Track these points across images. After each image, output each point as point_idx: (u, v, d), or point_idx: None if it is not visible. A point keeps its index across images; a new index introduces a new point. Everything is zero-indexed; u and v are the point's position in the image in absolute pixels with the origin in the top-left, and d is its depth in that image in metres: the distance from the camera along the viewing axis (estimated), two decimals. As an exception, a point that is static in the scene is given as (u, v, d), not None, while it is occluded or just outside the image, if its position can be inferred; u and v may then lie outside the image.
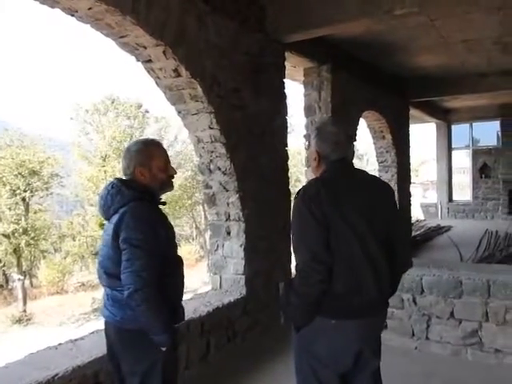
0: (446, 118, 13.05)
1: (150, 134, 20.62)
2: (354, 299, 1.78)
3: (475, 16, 4.85)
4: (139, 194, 1.88)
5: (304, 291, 1.76)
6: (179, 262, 2.00)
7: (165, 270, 1.86)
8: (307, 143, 1.98)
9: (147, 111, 19.74)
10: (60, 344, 2.74)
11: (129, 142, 18.76)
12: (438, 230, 10.58)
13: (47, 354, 2.62)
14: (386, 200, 1.96)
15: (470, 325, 3.40)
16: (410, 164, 9.14)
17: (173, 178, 2.07)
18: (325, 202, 1.76)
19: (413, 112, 9.34)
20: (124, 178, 1.99)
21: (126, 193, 1.88)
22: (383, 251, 1.84)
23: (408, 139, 9.03)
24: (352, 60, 6.16)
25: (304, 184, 1.99)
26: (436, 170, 14.08)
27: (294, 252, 1.82)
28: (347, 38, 5.37)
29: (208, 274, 19.20)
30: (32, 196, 17.96)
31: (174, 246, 2.00)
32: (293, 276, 1.91)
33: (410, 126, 9.13)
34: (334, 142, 1.93)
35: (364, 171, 2.11)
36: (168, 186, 2.04)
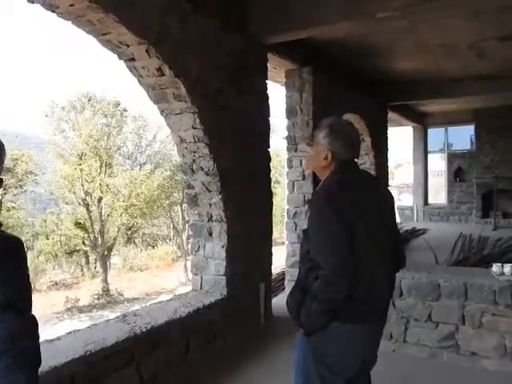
0: (422, 121, 13.32)
1: (127, 132, 20.37)
2: (372, 303, 1.78)
3: (453, 21, 4.97)
4: None
5: (329, 297, 1.70)
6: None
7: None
8: (315, 141, 1.94)
9: (125, 110, 19.45)
10: (36, 344, 2.68)
11: (105, 140, 18.56)
12: (414, 233, 10.77)
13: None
14: (390, 201, 1.97)
15: (446, 328, 3.45)
16: (388, 167, 9.29)
17: None
18: (347, 204, 1.73)
19: (390, 115, 9.50)
20: None
21: None
22: (392, 254, 1.87)
23: (386, 142, 9.18)
24: (333, 62, 6.22)
25: (320, 186, 1.87)
26: (412, 173, 14.33)
27: (316, 257, 1.73)
28: (328, 41, 5.42)
29: (185, 275, 19.12)
30: (5, 193, 17.52)
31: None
32: (297, 281, 1.86)
33: (388, 128, 9.29)
34: (348, 142, 1.89)
35: (366, 171, 2.16)
36: None
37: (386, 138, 9.20)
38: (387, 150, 9.21)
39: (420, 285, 3.55)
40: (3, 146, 1.16)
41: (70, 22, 2.72)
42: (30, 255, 20.26)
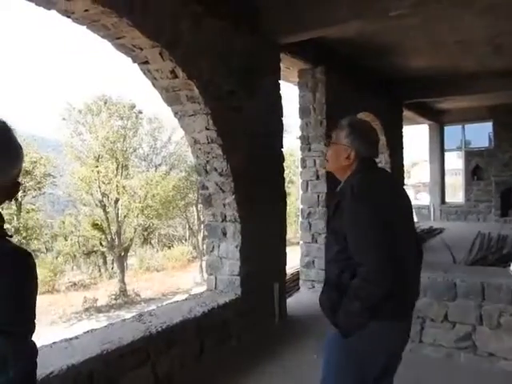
0: (438, 119, 13.15)
1: (143, 134, 20.57)
2: (405, 301, 1.79)
3: (467, 17, 4.90)
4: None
5: (371, 295, 1.67)
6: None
7: None
8: (333, 139, 1.95)
9: (140, 112, 19.65)
10: (55, 342, 2.76)
11: (121, 142, 18.77)
12: (431, 233, 10.64)
13: (42, 352, 2.60)
14: (408, 199, 1.96)
15: (463, 328, 3.41)
16: (403, 165, 9.20)
17: None
18: (380, 202, 1.73)
19: (406, 113, 9.41)
20: None
21: None
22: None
23: (401, 140, 9.09)
24: (346, 61, 6.20)
25: (346, 185, 1.83)
26: (429, 171, 14.16)
27: (356, 255, 1.70)
28: (341, 40, 5.40)
29: (200, 275, 19.23)
30: (24, 196, 17.86)
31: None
32: (327, 281, 1.85)
33: (403, 127, 9.20)
34: (369, 141, 1.90)
35: (385, 170, 2.16)
36: None
37: (401, 136, 9.11)
38: (402, 148, 9.13)
39: (436, 284, 3.52)
40: (22, 149, 1.14)
41: (85, 26, 2.77)
42: (49, 256, 20.67)
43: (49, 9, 2.53)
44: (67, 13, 2.61)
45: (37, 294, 1.09)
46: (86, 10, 2.58)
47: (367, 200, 1.72)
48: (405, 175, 10.04)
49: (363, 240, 1.70)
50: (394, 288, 1.67)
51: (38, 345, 2.62)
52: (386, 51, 6.14)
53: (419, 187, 26.36)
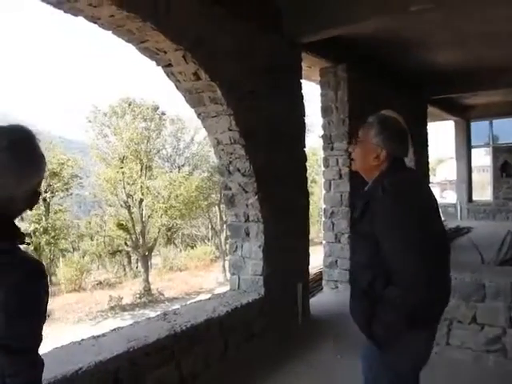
0: (464, 115, 12.85)
1: (166, 135, 20.82)
2: (438, 306, 1.72)
3: (492, 9, 4.78)
4: (12, 243, 1.07)
5: (412, 304, 1.57)
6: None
7: None
8: (360, 137, 1.85)
9: (164, 113, 19.90)
10: (83, 340, 2.82)
11: (145, 144, 19.02)
12: (458, 232, 10.42)
13: (71, 348, 2.69)
14: (435, 199, 1.88)
15: (492, 330, 3.31)
16: (428, 163, 9.05)
17: None
18: (416, 204, 1.66)
19: (430, 109, 9.24)
20: None
21: None
22: None
23: (426, 137, 8.94)
24: (368, 58, 6.13)
25: (376, 186, 1.73)
26: (455, 168, 13.86)
27: (395, 260, 1.59)
28: (363, 37, 5.35)
29: (223, 275, 19.33)
30: (52, 196, 18.33)
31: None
32: (356, 289, 1.77)
33: (428, 123, 9.04)
34: (400, 140, 1.80)
35: (413, 169, 2.08)
36: None
37: (426, 133, 8.96)
38: (427, 145, 8.97)
39: (463, 285, 3.44)
40: (44, 159, 1.14)
41: (110, 31, 2.84)
42: (75, 256, 21.15)
43: (76, 15, 2.60)
44: (94, 19, 2.67)
45: (43, 307, 1.04)
46: (112, 16, 2.64)
47: (404, 203, 1.63)
48: (430, 173, 9.86)
49: (401, 245, 1.59)
50: (434, 296, 1.60)
51: (67, 342, 2.70)
52: (409, 47, 6.05)
53: (445, 185, 25.85)
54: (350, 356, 3.52)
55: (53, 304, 17.15)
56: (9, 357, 0.95)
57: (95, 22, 2.72)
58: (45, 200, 17.81)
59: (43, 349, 2.53)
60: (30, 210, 1.21)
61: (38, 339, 1.04)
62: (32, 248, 17.67)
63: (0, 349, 0.94)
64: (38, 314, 1.03)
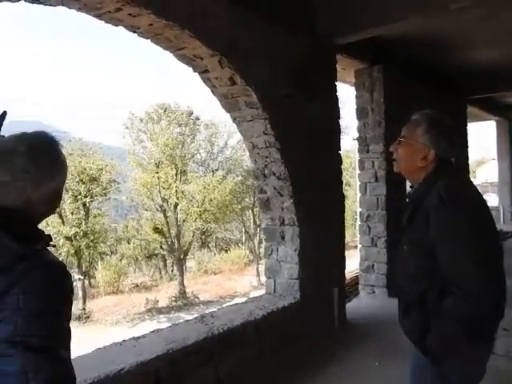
0: (507, 114, 12.36)
1: (200, 140, 21.12)
2: (500, 316, 1.58)
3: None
4: (34, 246, 1.05)
5: (474, 317, 1.47)
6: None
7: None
8: (404, 136, 1.70)
9: (198, 118, 20.21)
10: (124, 341, 2.89)
11: (179, 148, 19.28)
12: (502, 236, 10.01)
13: (113, 349, 2.76)
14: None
15: (542, 338, 3.18)
16: (468, 165, 8.76)
17: None
18: (477, 208, 1.55)
19: (470, 109, 8.96)
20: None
21: (8, 246, 1.02)
22: None
23: (466, 138, 8.67)
24: (404, 59, 6.01)
25: (437, 188, 1.55)
26: (497, 170, 13.36)
27: (455, 270, 1.47)
28: (399, 37, 5.24)
29: (257, 279, 19.36)
30: (92, 201, 18.89)
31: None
32: (404, 299, 1.66)
33: (468, 124, 8.77)
34: (452, 139, 1.68)
35: (460, 169, 1.95)
36: None
37: (466, 134, 8.69)
38: (467, 147, 8.70)
39: (509, 291, 3.30)
40: (64, 163, 1.17)
41: (149, 39, 2.91)
42: (113, 259, 21.73)
43: (116, 25, 2.69)
44: (133, 28, 2.76)
45: (63, 307, 1.06)
46: (151, 25, 2.71)
47: (467, 209, 1.50)
48: (470, 175, 9.54)
49: (464, 254, 1.46)
50: (499, 308, 1.50)
51: (106, 343, 2.77)
52: (448, 46, 5.89)
53: (486, 187, 24.93)
54: (389, 363, 3.46)
55: (92, 306, 17.71)
56: (29, 354, 0.97)
57: (134, 32, 2.80)
58: (84, 205, 18.41)
59: (85, 349, 2.62)
60: (53, 213, 1.24)
61: (61, 338, 1.05)
62: (73, 251, 18.29)
63: (20, 346, 0.97)
64: (57, 314, 1.04)
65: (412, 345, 1.67)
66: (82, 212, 18.49)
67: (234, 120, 3.70)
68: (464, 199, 1.54)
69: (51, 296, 1.03)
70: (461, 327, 1.48)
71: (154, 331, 3.12)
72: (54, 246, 1.17)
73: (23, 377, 0.96)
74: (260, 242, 21.14)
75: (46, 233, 1.17)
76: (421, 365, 1.65)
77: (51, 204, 1.16)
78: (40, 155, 1.10)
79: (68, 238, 17.86)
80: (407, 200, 1.77)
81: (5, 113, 1.69)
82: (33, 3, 2.31)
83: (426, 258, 1.54)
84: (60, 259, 1.15)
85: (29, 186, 1.08)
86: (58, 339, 1.04)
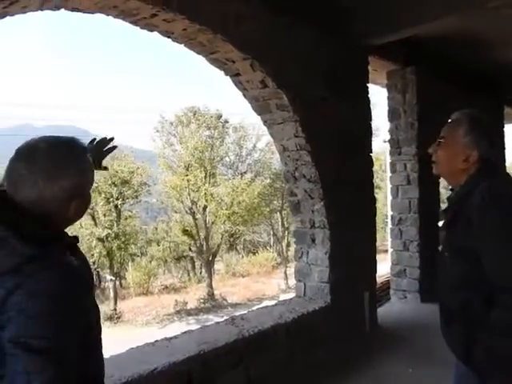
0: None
1: (229, 143, 21.27)
2: None
3: None
4: (42, 247, 1.05)
5: None
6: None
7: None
8: (444, 137, 1.64)
9: (227, 121, 20.36)
10: (156, 341, 2.93)
11: (208, 151, 19.45)
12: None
13: (145, 349, 2.81)
14: None
15: None
16: (505, 167, 8.49)
17: None
18: None
19: (508, 110, 8.67)
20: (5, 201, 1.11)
21: (17, 247, 1.03)
22: None
23: (503, 140, 8.41)
24: (438, 59, 5.88)
25: (480, 190, 1.50)
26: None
27: (507, 277, 1.41)
28: (433, 37, 5.13)
29: (285, 282, 19.30)
30: (123, 203, 19.30)
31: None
32: (446, 310, 1.60)
33: (505, 125, 8.50)
34: (493, 139, 1.63)
35: (508, 173, 1.89)
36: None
37: (503, 136, 8.43)
38: (504, 148, 8.44)
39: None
40: (83, 166, 1.16)
41: (182, 44, 2.97)
42: (143, 260, 22.09)
43: (152, 31, 2.76)
44: (168, 33, 2.81)
45: (73, 309, 1.05)
46: (184, 30, 2.76)
47: None
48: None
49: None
50: None
51: (139, 343, 2.81)
52: (484, 45, 5.72)
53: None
54: (423, 370, 3.38)
55: (123, 307, 18.08)
56: (31, 355, 0.97)
57: (169, 37, 2.85)
58: (116, 207, 18.83)
59: (118, 349, 2.66)
60: (76, 217, 1.20)
61: (68, 339, 1.04)
62: (105, 252, 18.73)
63: (23, 346, 0.98)
64: (64, 316, 1.03)
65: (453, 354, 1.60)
66: (114, 214, 18.90)
67: (265, 122, 3.71)
68: (509, 199, 1.48)
69: (56, 298, 1.02)
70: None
71: (185, 332, 3.15)
72: (72, 246, 1.17)
73: (25, 377, 0.97)
74: (288, 244, 21.09)
75: (74, 234, 1.21)
76: (466, 374, 1.59)
77: (67, 205, 1.13)
78: (57, 153, 1.12)
79: (100, 240, 18.30)
80: (447, 203, 1.71)
81: (112, 139, 1.77)
82: (72, 11, 2.39)
83: (469, 264, 1.49)
84: (76, 262, 1.14)
85: (40, 181, 1.08)
86: (63, 341, 1.02)
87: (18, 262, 1.02)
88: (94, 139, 1.73)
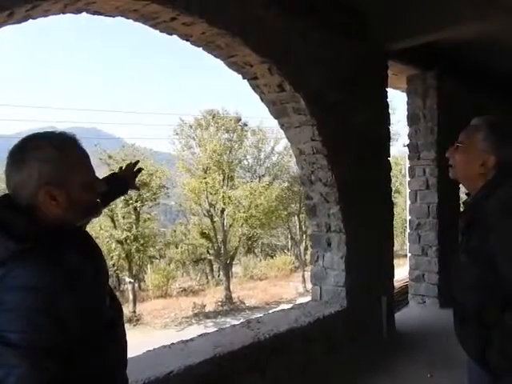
0: None
1: (247, 146, 21.32)
2: None
3: None
4: (28, 243, 1.08)
5: None
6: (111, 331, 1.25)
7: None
8: (462, 142, 1.64)
9: (245, 124, 20.43)
10: (173, 344, 2.95)
11: (227, 154, 19.53)
12: None
13: (162, 352, 2.83)
14: None
15: None
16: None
17: (100, 197, 1.30)
18: None
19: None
20: (8, 202, 1.16)
21: (2, 242, 1.07)
22: None
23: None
24: (461, 64, 5.79)
25: (498, 195, 1.52)
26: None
27: None
28: (456, 41, 5.05)
29: (302, 285, 19.21)
30: (142, 206, 19.48)
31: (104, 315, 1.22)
32: (461, 312, 1.61)
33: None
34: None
35: None
36: (94, 211, 1.30)
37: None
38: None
39: None
40: (84, 159, 1.22)
41: (201, 48, 3.00)
42: (162, 263, 22.25)
43: (171, 34, 2.80)
44: (186, 37, 2.85)
45: (51, 305, 1.05)
46: (203, 33, 2.79)
47: None
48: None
49: None
50: None
51: (158, 345, 2.83)
52: (510, 52, 5.61)
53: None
54: (442, 375, 3.33)
55: (142, 309, 18.25)
56: (7, 349, 0.99)
57: (187, 40, 2.89)
58: (135, 209, 19.04)
59: (138, 351, 2.69)
60: (76, 218, 1.23)
61: (42, 335, 1.03)
62: (124, 255, 18.93)
63: (0, 340, 0.99)
64: (36, 311, 1.03)
65: (468, 357, 1.61)
66: (133, 216, 19.10)
67: (282, 126, 3.72)
68: None
69: (34, 293, 1.03)
70: None
71: (201, 335, 3.16)
72: (73, 239, 1.19)
73: (4, 371, 0.98)
74: (306, 248, 21.00)
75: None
76: (480, 380, 1.60)
77: (37, 191, 1.13)
78: (25, 145, 1.16)
79: (119, 242, 18.50)
80: (463, 208, 1.71)
81: (137, 162, 1.92)
82: (94, 14, 2.44)
83: (484, 268, 1.48)
84: (75, 257, 1.16)
85: (13, 172, 1.14)
86: (40, 336, 1.02)
87: (2, 256, 1.05)
88: (121, 167, 1.86)
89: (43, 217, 1.14)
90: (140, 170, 1.89)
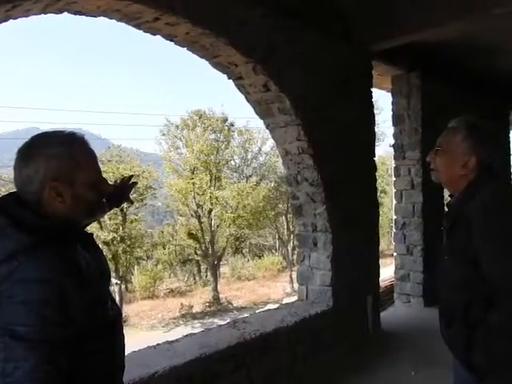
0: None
1: (234, 146, 21.30)
2: None
3: None
4: (39, 237, 1.09)
5: None
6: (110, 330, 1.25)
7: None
8: (442, 145, 1.66)
9: (232, 124, 20.42)
10: (158, 344, 2.93)
11: (214, 155, 19.49)
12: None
13: (147, 352, 2.81)
14: None
15: None
16: (510, 173, 8.44)
17: (104, 197, 1.31)
18: None
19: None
20: (16, 199, 1.18)
21: (14, 236, 1.08)
22: None
23: (508, 147, 8.36)
24: (445, 65, 5.85)
25: (480, 197, 1.52)
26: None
27: (504, 281, 1.42)
28: (438, 42, 5.11)
29: (290, 285, 19.26)
30: (129, 207, 19.35)
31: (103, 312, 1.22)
32: (447, 311, 1.61)
33: None
34: (492, 145, 1.64)
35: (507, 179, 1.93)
36: (98, 211, 1.31)
37: (508, 141, 8.38)
38: (510, 154, 8.38)
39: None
40: (88, 157, 1.23)
41: (185, 48, 2.99)
42: (149, 264, 22.11)
43: (154, 34, 2.78)
44: (171, 37, 2.83)
45: (59, 300, 1.05)
46: (187, 33, 2.78)
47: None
48: (513, 183, 9.19)
49: (510, 256, 1.42)
50: None
51: (143, 346, 2.80)
52: (491, 51, 5.68)
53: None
54: (426, 373, 3.37)
55: (129, 310, 18.11)
56: (16, 342, 0.99)
57: (172, 40, 2.88)
58: (122, 210, 18.89)
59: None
60: (80, 214, 1.22)
61: (51, 330, 1.03)
62: (110, 256, 18.76)
63: (8, 333, 0.99)
64: (45, 305, 1.03)
65: (454, 357, 1.62)
66: (120, 217, 18.97)
67: (268, 126, 3.72)
68: (508, 204, 1.50)
69: (43, 286, 1.03)
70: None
71: (187, 335, 3.14)
72: (85, 240, 1.22)
73: (12, 364, 0.98)
74: (294, 248, 21.06)
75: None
76: (466, 378, 1.60)
77: (42, 187, 1.14)
78: (32, 143, 1.18)
79: (106, 243, 18.34)
80: (447, 209, 1.72)
81: (132, 176, 1.92)
82: (75, 14, 2.41)
83: (469, 268, 1.49)
84: (86, 257, 1.18)
85: (22, 168, 1.15)
86: (49, 330, 1.02)
87: (14, 249, 1.05)
88: (116, 181, 1.88)
89: (49, 213, 1.15)
90: (135, 183, 1.90)
